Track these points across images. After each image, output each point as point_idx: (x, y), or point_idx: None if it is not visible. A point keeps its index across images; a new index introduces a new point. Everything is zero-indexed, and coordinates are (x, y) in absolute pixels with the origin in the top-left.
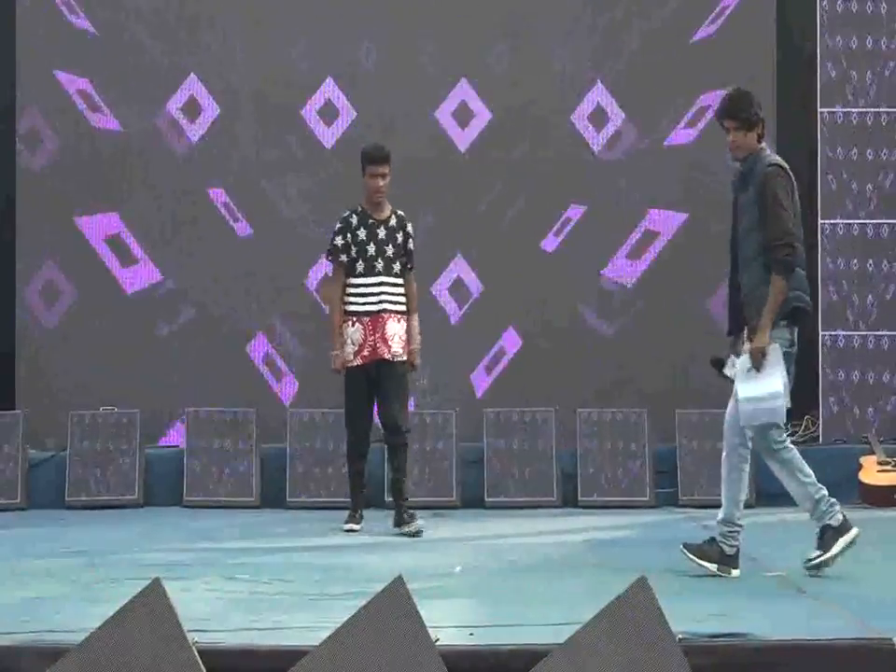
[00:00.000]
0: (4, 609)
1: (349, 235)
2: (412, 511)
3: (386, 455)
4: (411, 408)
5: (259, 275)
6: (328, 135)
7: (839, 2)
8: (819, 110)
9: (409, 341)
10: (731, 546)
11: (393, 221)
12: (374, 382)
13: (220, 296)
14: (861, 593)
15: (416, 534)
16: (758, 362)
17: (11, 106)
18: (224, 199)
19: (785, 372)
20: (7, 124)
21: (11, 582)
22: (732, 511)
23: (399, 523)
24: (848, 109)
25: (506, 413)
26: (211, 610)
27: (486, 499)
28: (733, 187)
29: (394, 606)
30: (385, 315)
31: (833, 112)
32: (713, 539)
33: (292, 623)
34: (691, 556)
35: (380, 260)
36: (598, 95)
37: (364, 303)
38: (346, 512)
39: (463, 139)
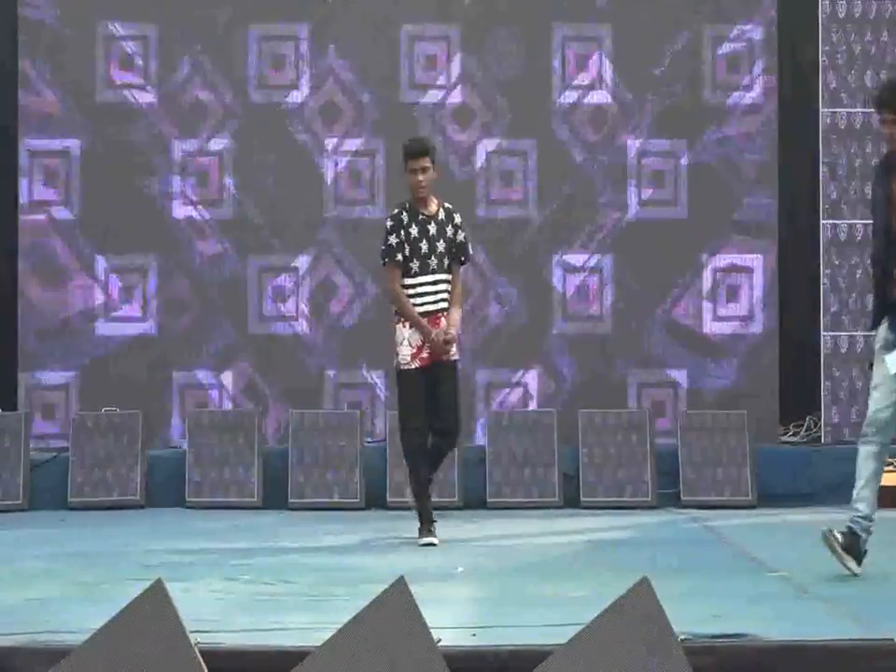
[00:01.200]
0: (6, 610)
1: (402, 233)
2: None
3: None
4: None
5: None
6: None
7: (840, 2)
8: (820, 110)
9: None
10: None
11: (442, 215)
12: (430, 384)
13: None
14: (862, 593)
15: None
16: None
17: None
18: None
19: None
20: None
21: (13, 583)
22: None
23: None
24: (850, 110)
25: (508, 414)
26: (213, 611)
27: (488, 500)
28: (883, 173)
29: (396, 607)
30: (441, 315)
31: (835, 112)
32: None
33: (294, 623)
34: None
35: (433, 258)
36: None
37: (422, 303)
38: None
39: None
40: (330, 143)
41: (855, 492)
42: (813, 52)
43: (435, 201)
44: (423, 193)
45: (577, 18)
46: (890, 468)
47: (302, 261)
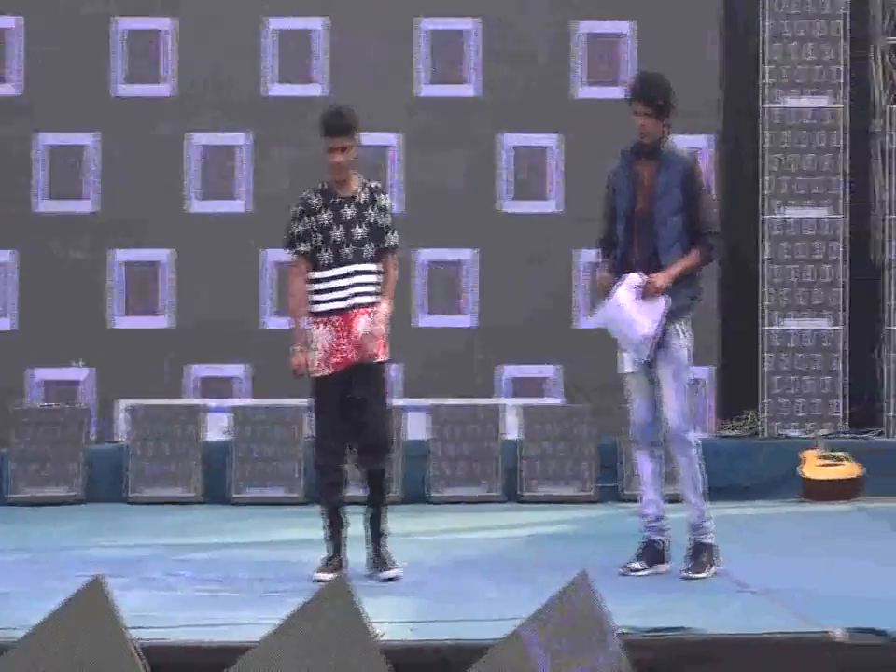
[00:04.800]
0: None
1: (309, 220)
2: (387, 555)
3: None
4: None
5: None
6: None
7: None
8: (762, 104)
9: (371, 324)
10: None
11: (364, 196)
12: (349, 392)
13: None
14: (801, 587)
15: (392, 580)
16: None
17: None
18: None
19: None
20: None
21: None
22: None
23: (376, 565)
24: (790, 103)
25: (451, 408)
26: (155, 607)
27: (430, 495)
28: (629, 162)
29: (337, 602)
30: (357, 312)
31: (776, 105)
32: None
33: (235, 619)
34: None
35: (349, 246)
36: None
37: (330, 300)
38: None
39: None
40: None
41: (644, 498)
42: (755, 43)
43: (357, 180)
44: (342, 175)
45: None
46: (831, 461)
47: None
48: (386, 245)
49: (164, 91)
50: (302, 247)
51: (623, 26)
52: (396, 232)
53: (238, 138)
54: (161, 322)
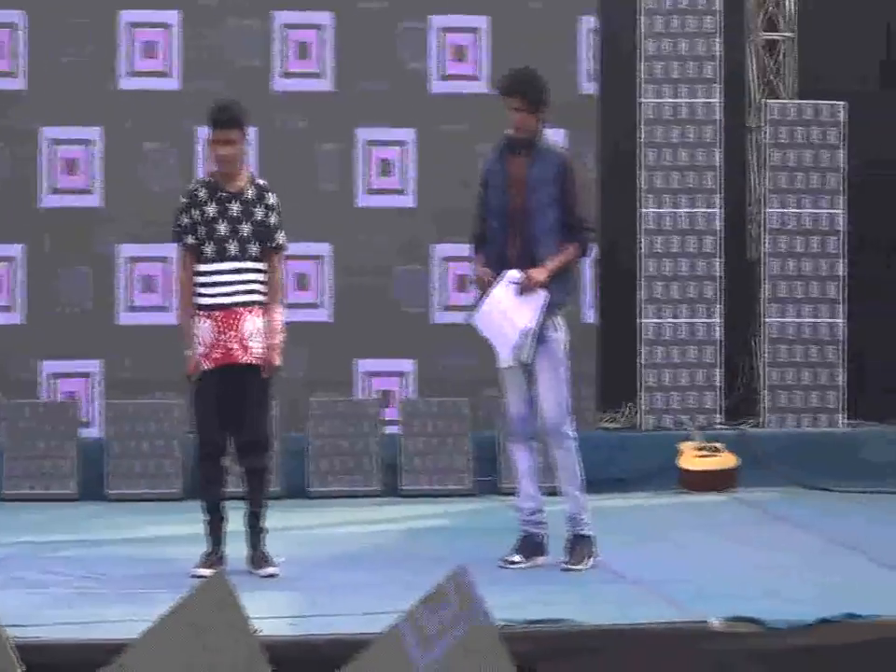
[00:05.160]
0: None
1: (196, 212)
2: (266, 552)
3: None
4: None
5: None
6: None
7: None
8: (638, 100)
9: (268, 336)
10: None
11: (251, 193)
12: (231, 390)
13: None
14: (678, 577)
15: (272, 576)
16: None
17: None
18: None
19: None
20: None
21: None
22: None
23: (254, 562)
24: (665, 98)
25: (330, 403)
26: (28, 605)
27: (309, 489)
28: (503, 157)
29: (214, 597)
30: (241, 310)
31: (651, 100)
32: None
33: (111, 616)
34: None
35: (234, 242)
36: None
37: (215, 294)
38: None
39: None
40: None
41: (521, 492)
42: (632, 42)
43: (245, 176)
44: (227, 168)
45: None
46: (707, 453)
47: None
48: (273, 244)
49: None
50: (189, 239)
51: (480, 21)
52: (283, 232)
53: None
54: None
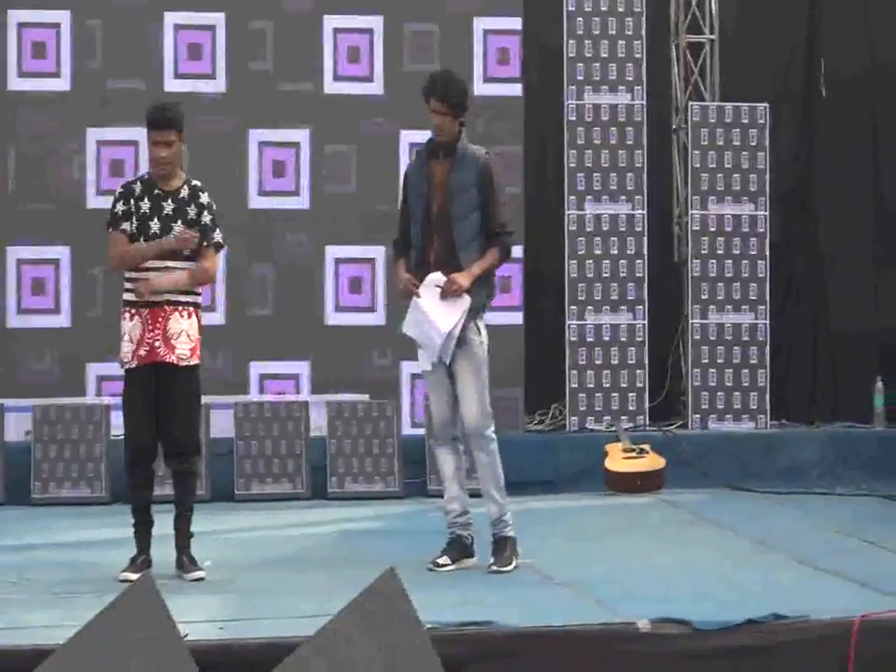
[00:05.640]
0: None
1: (132, 202)
2: (193, 556)
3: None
4: None
5: None
6: None
7: None
8: (564, 101)
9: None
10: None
11: (185, 193)
12: (158, 390)
13: None
14: (606, 578)
15: (199, 580)
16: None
17: None
18: None
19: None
20: None
21: None
22: None
23: (182, 565)
24: (590, 100)
25: (256, 405)
26: None
27: (236, 492)
28: (424, 161)
29: (141, 602)
30: (169, 308)
31: (577, 102)
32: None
33: (37, 621)
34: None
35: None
36: None
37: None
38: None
39: None
40: None
41: (447, 494)
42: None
43: (180, 177)
44: (165, 170)
45: None
46: (634, 454)
47: None
48: (206, 242)
49: None
50: (125, 226)
51: (374, 21)
52: (219, 230)
53: None
54: None
